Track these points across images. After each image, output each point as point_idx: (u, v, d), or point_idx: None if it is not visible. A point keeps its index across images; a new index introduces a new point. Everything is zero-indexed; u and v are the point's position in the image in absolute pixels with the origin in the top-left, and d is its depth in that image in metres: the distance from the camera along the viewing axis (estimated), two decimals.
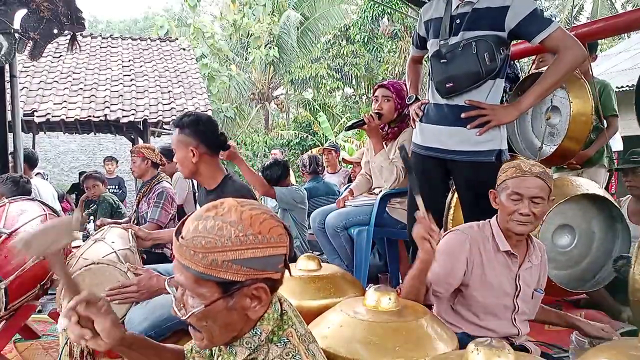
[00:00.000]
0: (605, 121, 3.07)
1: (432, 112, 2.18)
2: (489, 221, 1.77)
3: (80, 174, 8.46)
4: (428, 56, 2.23)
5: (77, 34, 3.64)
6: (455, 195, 2.90)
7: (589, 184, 2.55)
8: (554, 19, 1.95)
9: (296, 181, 5.08)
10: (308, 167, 4.64)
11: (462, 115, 2.03)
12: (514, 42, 3.39)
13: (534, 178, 1.61)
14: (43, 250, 1.01)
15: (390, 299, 1.29)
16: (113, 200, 4.53)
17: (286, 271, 0.95)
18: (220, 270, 0.85)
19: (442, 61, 2.06)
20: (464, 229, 1.77)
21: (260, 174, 3.75)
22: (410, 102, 2.36)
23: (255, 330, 0.93)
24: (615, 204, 2.49)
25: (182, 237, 0.89)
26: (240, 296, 0.89)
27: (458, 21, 2.04)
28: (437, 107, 2.15)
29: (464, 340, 1.33)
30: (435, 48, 2.12)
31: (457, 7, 2.05)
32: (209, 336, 0.92)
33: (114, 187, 6.82)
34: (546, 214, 2.29)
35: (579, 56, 1.94)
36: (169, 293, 0.97)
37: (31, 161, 4.52)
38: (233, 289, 0.88)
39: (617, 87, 3.34)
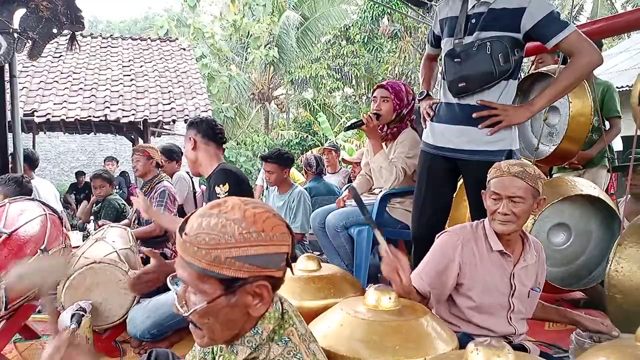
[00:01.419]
0: (607, 122, 3.07)
1: (443, 111, 2.18)
2: (483, 221, 1.77)
3: (77, 173, 8.47)
4: (442, 55, 2.23)
5: (76, 33, 3.63)
6: (454, 195, 2.91)
7: (586, 185, 2.56)
8: (571, 25, 1.94)
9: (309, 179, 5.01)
10: (315, 167, 4.66)
11: (474, 115, 2.02)
12: None
13: (512, 177, 1.61)
14: (36, 284, 1.05)
15: (390, 298, 1.29)
16: (119, 204, 4.49)
17: (287, 270, 0.95)
18: (223, 266, 0.86)
19: (455, 60, 2.05)
20: (457, 229, 1.78)
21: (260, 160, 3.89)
22: (422, 97, 2.37)
23: (256, 329, 0.94)
24: (611, 204, 2.50)
25: (185, 234, 0.89)
26: (242, 293, 0.89)
27: (474, 21, 2.03)
28: (449, 106, 2.15)
29: (463, 340, 1.33)
30: (449, 47, 2.11)
31: (473, 6, 2.04)
32: (210, 334, 0.92)
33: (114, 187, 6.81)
34: (540, 213, 2.31)
35: (595, 61, 1.95)
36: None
37: (31, 162, 4.50)
38: (235, 286, 0.88)
39: (617, 87, 3.33)
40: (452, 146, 2.12)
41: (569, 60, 2.94)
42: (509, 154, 2.04)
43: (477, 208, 2.11)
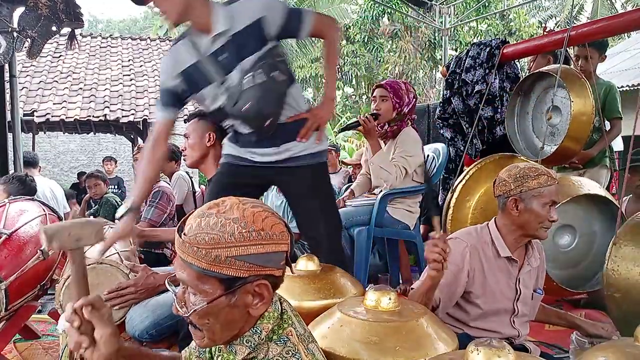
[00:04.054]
0: (609, 123, 3.07)
1: (259, 138, 1.92)
2: (487, 225, 1.74)
3: (79, 174, 8.48)
4: (211, 109, 1.91)
5: (76, 31, 3.63)
6: (455, 195, 2.90)
7: (590, 184, 2.56)
8: (307, 10, 1.91)
9: None
10: None
11: (298, 139, 1.90)
12: (512, 42, 3.40)
13: (557, 184, 1.64)
14: (68, 246, 1.01)
15: (390, 298, 1.29)
16: (116, 201, 4.50)
17: (286, 269, 0.95)
18: (224, 266, 0.86)
19: (243, 110, 1.76)
20: (463, 235, 1.73)
21: None
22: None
23: (255, 328, 0.93)
24: (617, 203, 2.49)
25: (184, 234, 0.89)
26: (242, 293, 0.89)
27: (225, 55, 1.76)
28: (262, 134, 1.91)
29: (464, 341, 1.32)
30: (220, 100, 1.83)
31: (213, 42, 1.76)
32: (210, 334, 0.92)
33: (113, 187, 6.83)
34: None
35: (337, 27, 1.98)
36: (168, 290, 0.97)
37: (30, 163, 4.51)
38: (236, 286, 0.88)
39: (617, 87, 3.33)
40: (275, 159, 1.94)
41: (544, 59, 2.99)
42: (325, 151, 2.02)
43: (314, 214, 1.95)
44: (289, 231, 0.93)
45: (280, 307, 0.97)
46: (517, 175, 1.64)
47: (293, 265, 1.74)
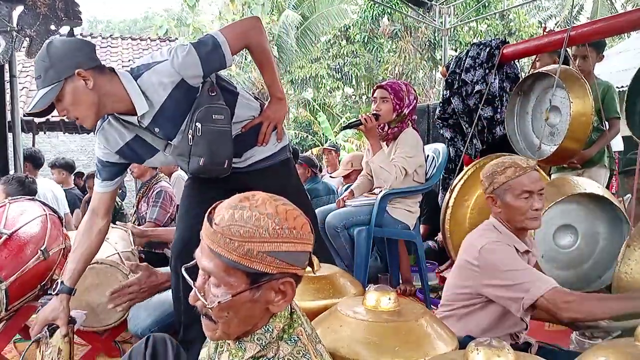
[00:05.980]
0: (607, 123, 3.07)
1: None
2: (494, 226, 1.72)
3: (76, 174, 8.46)
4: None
5: (75, 29, 3.64)
6: (454, 195, 2.90)
7: (588, 184, 2.56)
8: (217, 36, 1.68)
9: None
10: (318, 167, 4.75)
11: (258, 144, 1.90)
12: (512, 42, 3.39)
13: (534, 172, 1.62)
14: None
15: (390, 299, 1.29)
16: (117, 202, 4.50)
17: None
18: (255, 260, 0.85)
19: (195, 164, 1.72)
20: (502, 238, 1.66)
21: None
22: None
23: (267, 326, 0.93)
24: (618, 204, 2.48)
25: (216, 224, 0.88)
26: (266, 289, 0.89)
27: (160, 129, 1.69)
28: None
29: (465, 341, 1.32)
30: (168, 162, 1.88)
31: (142, 119, 1.66)
32: (224, 328, 0.91)
33: None
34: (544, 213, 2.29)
35: (255, 26, 1.80)
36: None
37: (35, 161, 4.50)
38: (262, 281, 0.87)
39: (617, 87, 3.34)
40: (241, 166, 1.92)
41: (550, 57, 2.87)
42: (287, 148, 2.01)
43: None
44: (312, 232, 0.94)
45: (289, 307, 0.97)
46: (488, 174, 1.66)
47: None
